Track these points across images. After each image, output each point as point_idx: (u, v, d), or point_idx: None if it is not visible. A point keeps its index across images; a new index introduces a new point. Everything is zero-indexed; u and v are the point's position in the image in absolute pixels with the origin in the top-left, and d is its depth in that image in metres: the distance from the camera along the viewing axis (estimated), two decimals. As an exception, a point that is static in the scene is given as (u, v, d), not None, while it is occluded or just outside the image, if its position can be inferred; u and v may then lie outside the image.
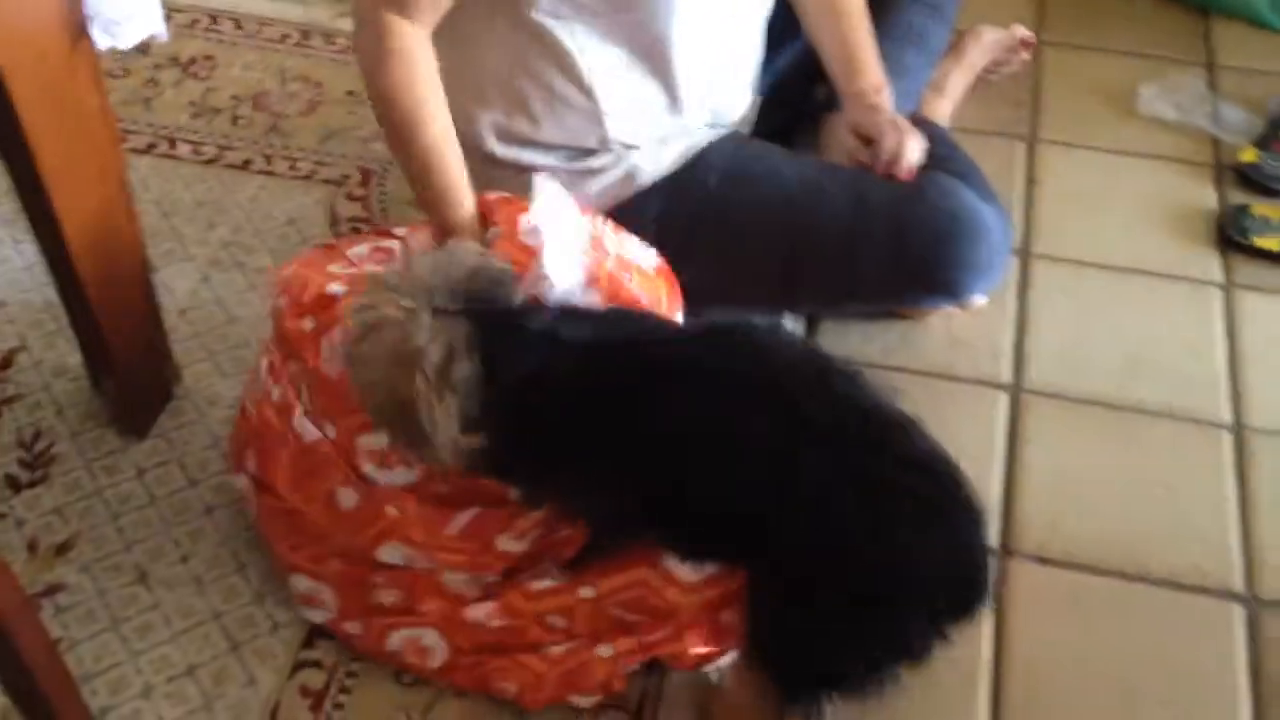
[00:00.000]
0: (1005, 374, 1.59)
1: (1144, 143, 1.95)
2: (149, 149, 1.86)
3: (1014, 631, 1.32)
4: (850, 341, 1.62)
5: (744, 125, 1.66)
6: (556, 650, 1.23)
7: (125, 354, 1.40)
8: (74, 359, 1.52)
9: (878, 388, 1.12)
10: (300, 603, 1.30)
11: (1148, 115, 1.99)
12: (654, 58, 1.46)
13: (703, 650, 1.23)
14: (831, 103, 1.76)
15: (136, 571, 1.34)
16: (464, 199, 1.32)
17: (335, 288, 1.29)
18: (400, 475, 1.24)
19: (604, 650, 1.22)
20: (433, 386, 1.08)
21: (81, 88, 1.21)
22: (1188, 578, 1.37)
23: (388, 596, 1.26)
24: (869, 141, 1.55)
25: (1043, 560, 1.38)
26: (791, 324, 1.62)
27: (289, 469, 1.28)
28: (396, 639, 1.25)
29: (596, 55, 1.43)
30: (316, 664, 1.27)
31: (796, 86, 1.81)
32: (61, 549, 1.36)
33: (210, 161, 1.85)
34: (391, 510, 1.23)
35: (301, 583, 1.29)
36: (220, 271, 1.67)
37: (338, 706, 1.24)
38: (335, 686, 1.25)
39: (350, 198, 1.79)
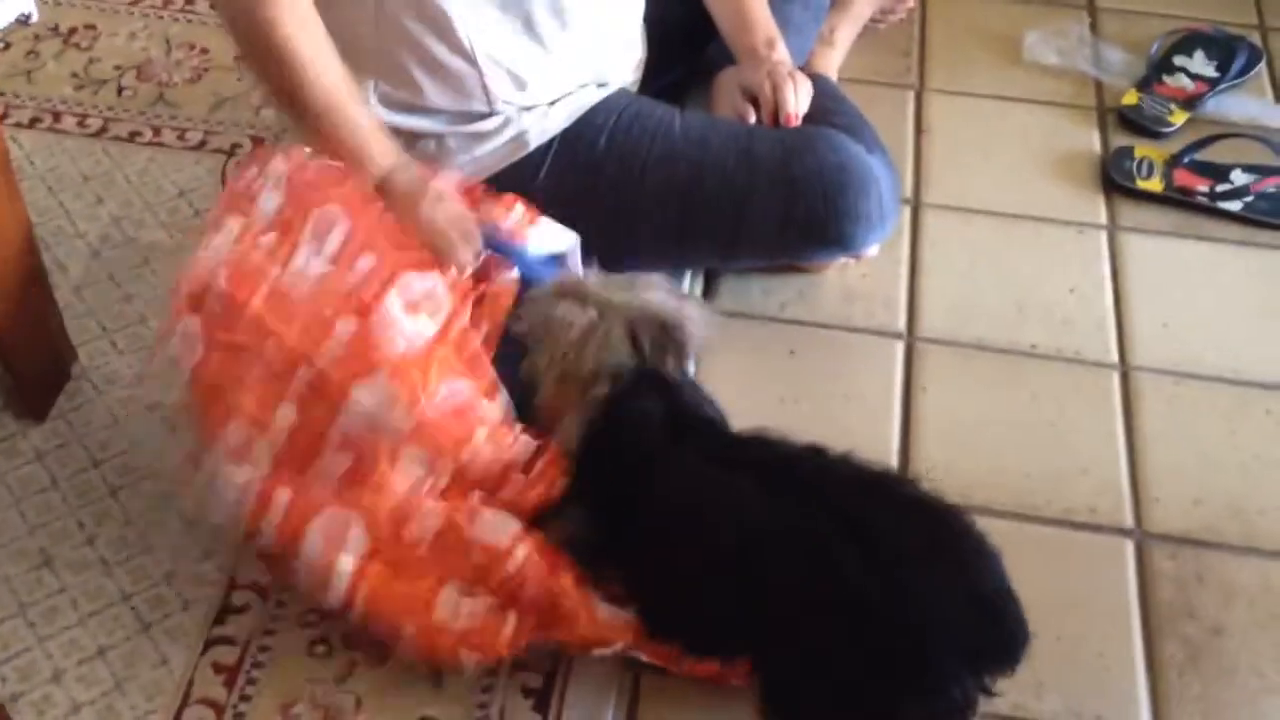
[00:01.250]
0: (900, 324, 1.62)
1: (1029, 88, 1.98)
2: (32, 123, 1.82)
3: (913, 575, 1.35)
4: (751, 297, 1.64)
5: (633, 85, 1.66)
6: (464, 605, 1.21)
7: (18, 336, 1.39)
8: (-35, 342, 1.50)
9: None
10: (230, 459, 1.22)
11: (1032, 61, 2.02)
12: (533, 16, 1.46)
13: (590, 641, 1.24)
14: (721, 60, 1.78)
15: (41, 556, 1.33)
16: (388, 146, 1.32)
17: None
18: (421, 324, 1.23)
19: (509, 620, 1.21)
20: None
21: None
22: (1079, 516, 1.42)
23: (338, 462, 1.22)
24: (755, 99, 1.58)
25: (938, 505, 1.42)
26: (688, 280, 1.64)
27: (270, 295, 1.22)
28: (318, 524, 1.20)
29: (473, 15, 1.43)
30: (229, 640, 1.27)
31: (686, 44, 1.82)
32: (-38, 536, 1.34)
33: (96, 134, 1.81)
34: (399, 342, 1.20)
35: (237, 434, 1.22)
36: (112, 248, 1.64)
37: (251, 681, 1.24)
38: (249, 661, 1.25)
39: (240, 166, 1.77)
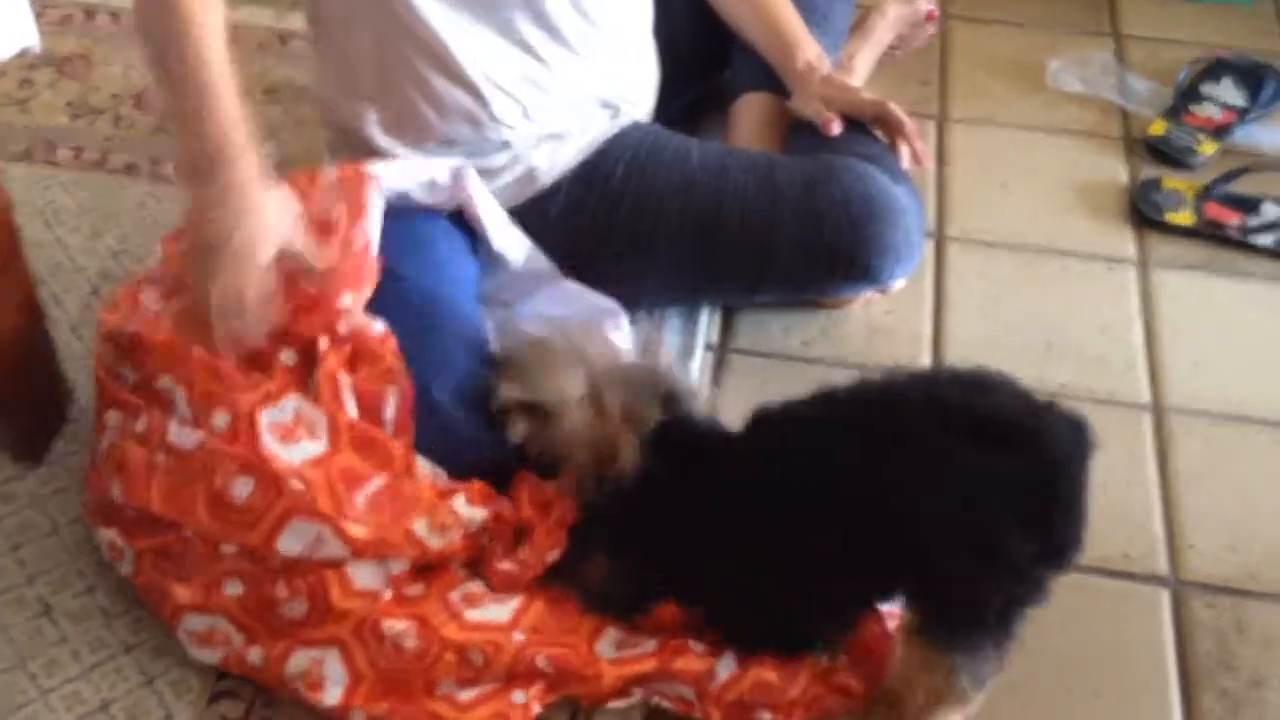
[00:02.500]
0: (924, 361, 1.58)
1: (1053, 118, 1.95)
2: (26, 155, 1.78)
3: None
4: (770, 334, 1.60)
5: (646, 112, 1.63)
6: (465, 696, 1.19)
7: (14, 377, 1.34)
8: (-40, 382, 1.46)
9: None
10: (198, 645, 1.24)
11: (1055, 89, 1.98)
12: (525, 36, 1.42)
13: (607, 695, 1.22)
14: (737, 84, 1.75)
15: (41, 605, 1.29)
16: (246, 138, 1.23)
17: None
18: (305, 449, 1.20)
19: (518, 697, 1.19)
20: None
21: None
22: (1113, 563, 1.38)
23: (295, 609, 1.20)
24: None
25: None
26: (705, 317, 1.60)
27: (163, 486, 1.22)
28: (295, 664, 1.19)
29: (469, 41, 1.39)
30: (233, 694, 1.23)
31: (699, 67, 1.80)
32: (-41, 584, 1.30)
33: (94, 166, 1.77)
34: (295, 484, 1.17)
35: (196, 622, 1.23)
36: (110, 283, 1.59)
37: (258, 736, 1.20)
38: (255, 715, 1.21)
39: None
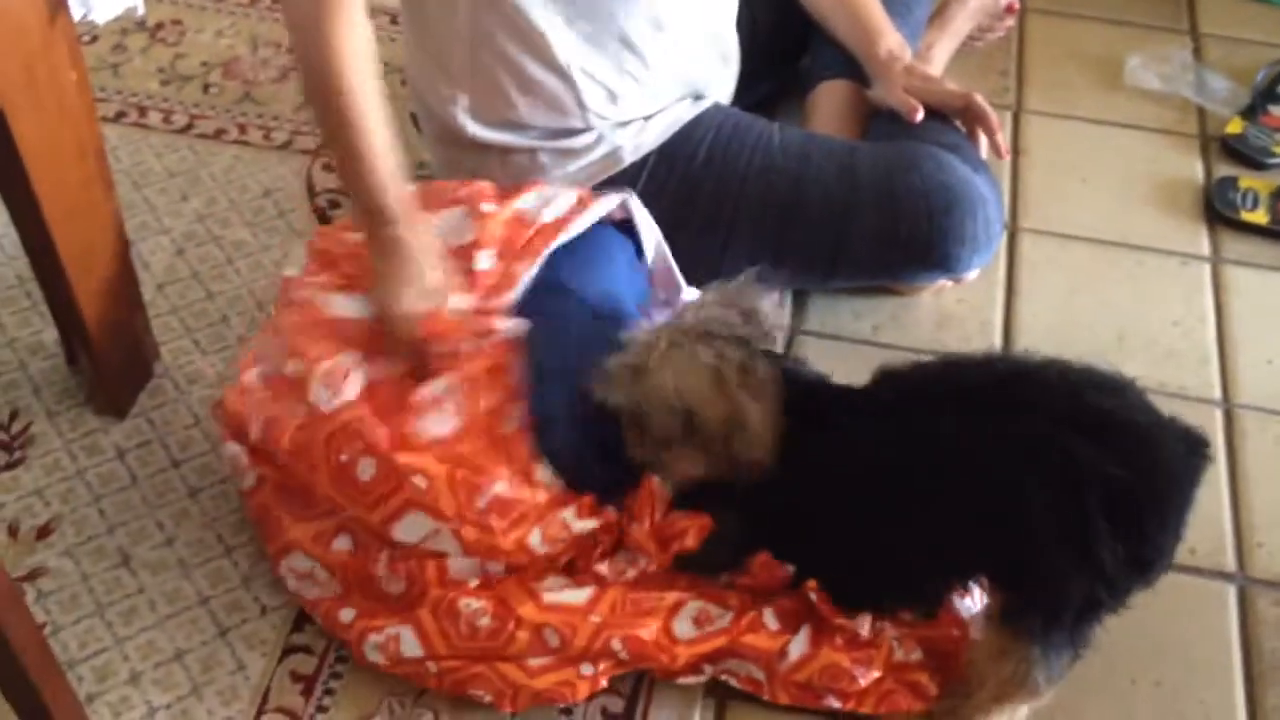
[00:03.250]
0: (995, 350, 1.58)
1: (1130, 113, 1.94)
2: (118, 117, 1.81)
3: (1008, 612, 1.31)
4: (841, 318, 1.60)
5: (727, 99, 1.63)
6: (536, 663, 1.20)
7: (103, 332, 1.37)
8: (49, 335, 1.49)
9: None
10: (297, 580, 1.26)
11: (1133, 86, 1.97)
12: (628, 31, 1.43)
13: (679, 670, 1.23)
14: (815, 73, 1.75)
15: (120, 555, 1.31)
16: (398, 182, 1.27)
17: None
18: (438, 422, 1.20)
19: (586, 669, 1.20)
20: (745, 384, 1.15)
21: (59, 64, 1.17)
22: (1180, 558, 1.35)
23: (393, 585, 1.22)
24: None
25: (1035, 541, 1.38)
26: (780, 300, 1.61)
27: (297, 438, 1.23)
28: (374, 638, 1.21)
29: (568, 32, 1.40)
30: (306, 649, 1.25)
31: (778, 57, 1.80)
32: (43, 532, 1.33)
33: (182, 130, 1.80)
34: (419, 481, 1.17)
35: (301, 561, 1.25)
36: (196, 245, 1.63)
37: (328, 692, 1.22)
38: (326, 672, 1.24)
39: (327, 168, 1.75)
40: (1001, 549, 1.13)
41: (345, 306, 1.29)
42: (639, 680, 1.24)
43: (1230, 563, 1.37)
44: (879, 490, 1.16)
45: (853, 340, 1.58)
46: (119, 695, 1.21)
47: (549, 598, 1.20)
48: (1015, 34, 2.06)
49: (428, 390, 1.21)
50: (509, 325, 1.26)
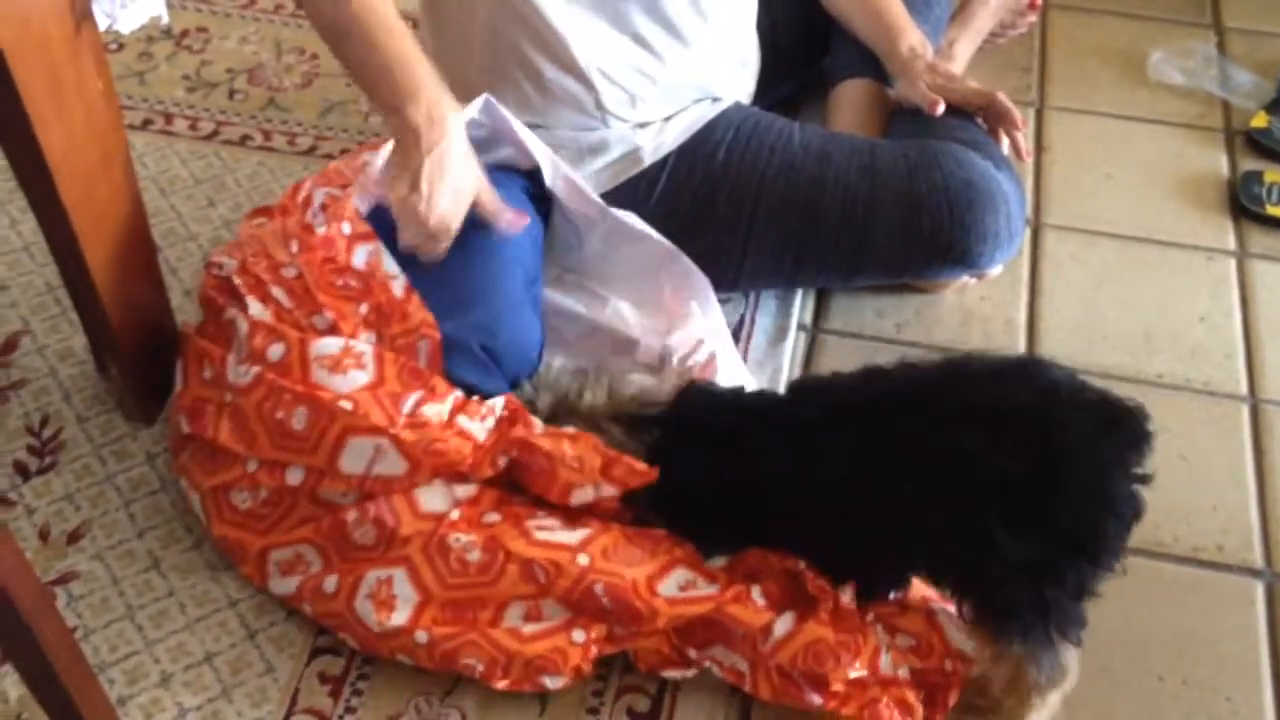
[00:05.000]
0: (1020, 348, 1.58)
1: (1153, 108, 1.93)
2: (145, 125, 1.83)
3: (1034, 609, 1.31)
4: (864, 317, 1.61)
5: (746, 98, 1.64)
6: (528, 629, 1.20)
7: (132, 338, 1.38)
8: (78, 342, 1.51)
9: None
10: (282, 574, 1.27)
11: (1156, 80, 1.97)
12: (643, 32, 1.44)
13: (664, 659, 1.23)
14: (836, 73, 1.75)
15: (150, 559, 1.33)
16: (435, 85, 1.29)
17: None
18: (354, 378, 1.24)
19: (577, 635, 1.20)
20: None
21: (85, 72, 1.18)
22: (1206, 554, 1.37)
23: (365, 535, 1.23)
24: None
25: (1061, 538, 1.37)
26: (799, 299, 1.61)
27: (229, 422, 1.27)
28: (366, 585, 1.22)
29: (586, 33, 1.41)
30: (334, 650, 1.26)
31: (799, 57, 1.80)
32: (73, 537, 1.34)
33: (208, 137, 1.82)
34: (345, 404, 1.21)
35: (280, 555, 1.28)
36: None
37: (356, 693, 1.23)
38: (354, 673, 1.24)
39: (352, 172, 1.77)
40: (919, 552, 1.16)
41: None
42: (664, 681, 1.24)
43: (1258, 559, 1.37)
44: (793, 508, 1.20)
45: (875, 339, 1.58)
46: (150, 697, 1.22)
47: (540, 535, 1.22)
48: (1037, 30, 2.06)
49: (329, 349, 1.25)
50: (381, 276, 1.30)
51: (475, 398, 1.27)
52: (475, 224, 1.32)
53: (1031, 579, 1.10)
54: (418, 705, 1.22)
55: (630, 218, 1.44)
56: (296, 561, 1.27)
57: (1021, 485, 1.09)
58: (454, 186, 1.27)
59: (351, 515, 1.24)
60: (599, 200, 1.44)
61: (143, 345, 1.40)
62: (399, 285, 1.30)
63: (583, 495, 1.24)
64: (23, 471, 1.39)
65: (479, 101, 1.38)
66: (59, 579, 1.30)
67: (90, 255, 1.27)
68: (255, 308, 1.30)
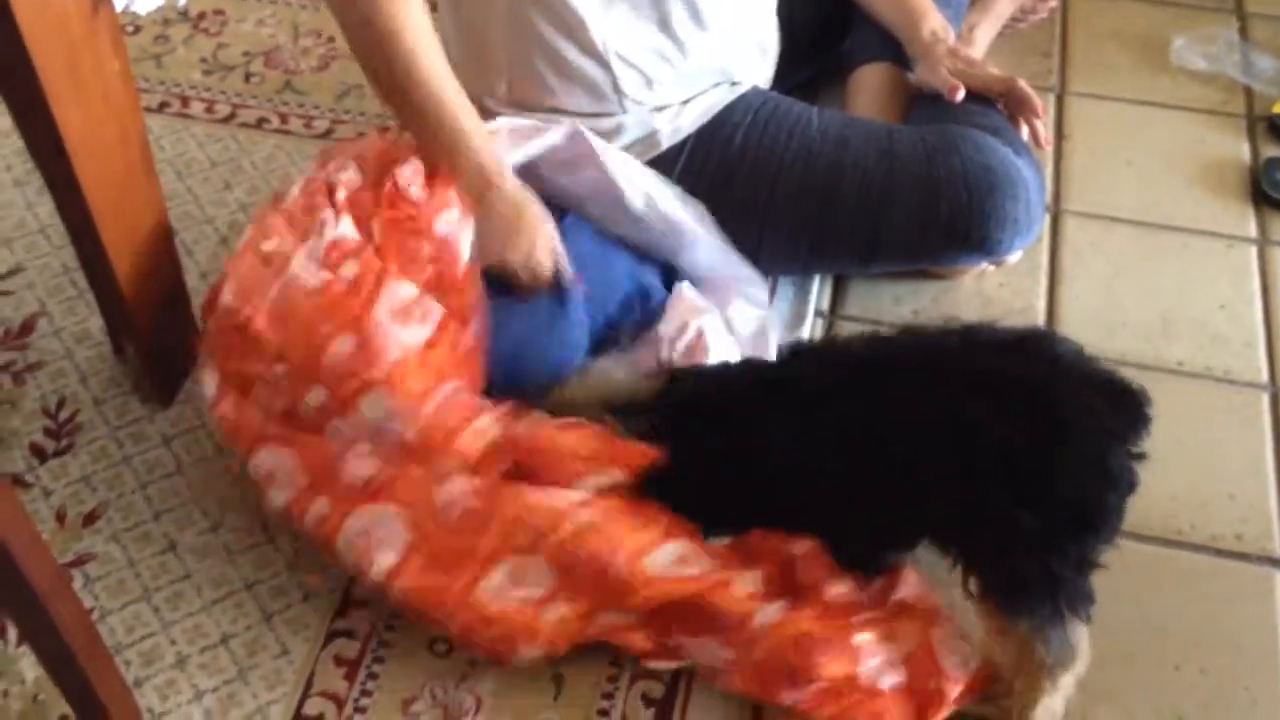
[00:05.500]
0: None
1: (1175, 94, 1.92)
2: (161, 108, 1.83)
3: (1052, 598, 1.30)
4: (881, 303, 1.60)
5: (765, 83, 1.63)
6: (505, 599, 1.18)
7: (148, 320, 1.39)
8: (95, 324, 1.51)
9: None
10: (263, 485, 1.25)
11: (1178, 66, 1.95)
12: (670, 16, 1.43)
13: (645, 650, 1.22)
14: (855, 57, 1.74)
15: (166, 541, 1.33)
16: (484, 137, 1.32)
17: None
18: (413, 332, 1.22)
19: (550, 613, 1.18)
20: None
21: (103, 53, 1.18)
22: (1225, 543, 1.36)
23: (362, 467, 1.22)
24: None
25: (1080, 525, 1.37)
26: (816, 286, 1.60)
27: (273, 309, 1.23)
28: (353, 523, 1.19)
29: (606, 16, 1.40)
30: (349, 634, 1.26)
31: (818, 42, 1.79)
32: (90, 518, 1.34)
33: (224, 120, 1.82)
34: (394, 350, 1.20)
35: (265, 458, 1.25)
36: (239, 234, 1.61)
37: (372, 676, 1.23)
38: (370, 656, 1.25)
39: (368, 156, 1.77)
40: (922, 521, 1.17)
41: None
42: (679, 670, 1.24)
43: (1277, 548, 1.36)
44: (795, 478, 1.19)
45: (893, 325, 1.57)
46: (166, 679, 1.22)
47: (533, 496, 1.20)
48: (1058, 15, 2.04)
49: (403, 290, 1.24)
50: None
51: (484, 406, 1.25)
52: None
53: (1036, 552, 1.11)
54: (433, 690, 1.22)
55: (713, 235, 1.47)
56: (275, 474, 1.25)
57: (1023, 455, 1.09)
58: (543, 243, 1.34)
59: (349, 448, 1.22)
60: (688, 221, 1.45)
61: (159, 327, 1.40)
62: (461, 266, 1.29)
63: (590, 483, 1.22)
64: (39, 453, 1.40)
65: (564, 129, 1.40)
66: (76, 561, 1.31)
67: (107, 237, 1.27)
68: (347, 226, 1.27)
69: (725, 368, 1.33)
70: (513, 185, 1.34)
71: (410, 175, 1.30)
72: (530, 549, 1.18)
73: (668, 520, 1.21)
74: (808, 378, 1.23)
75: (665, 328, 1.41)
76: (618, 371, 1.32)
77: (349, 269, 1.24)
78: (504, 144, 1.38)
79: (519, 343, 1.32)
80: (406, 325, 1.22)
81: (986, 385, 1.12)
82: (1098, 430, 1.11)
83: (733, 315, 1.48)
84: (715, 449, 1.22)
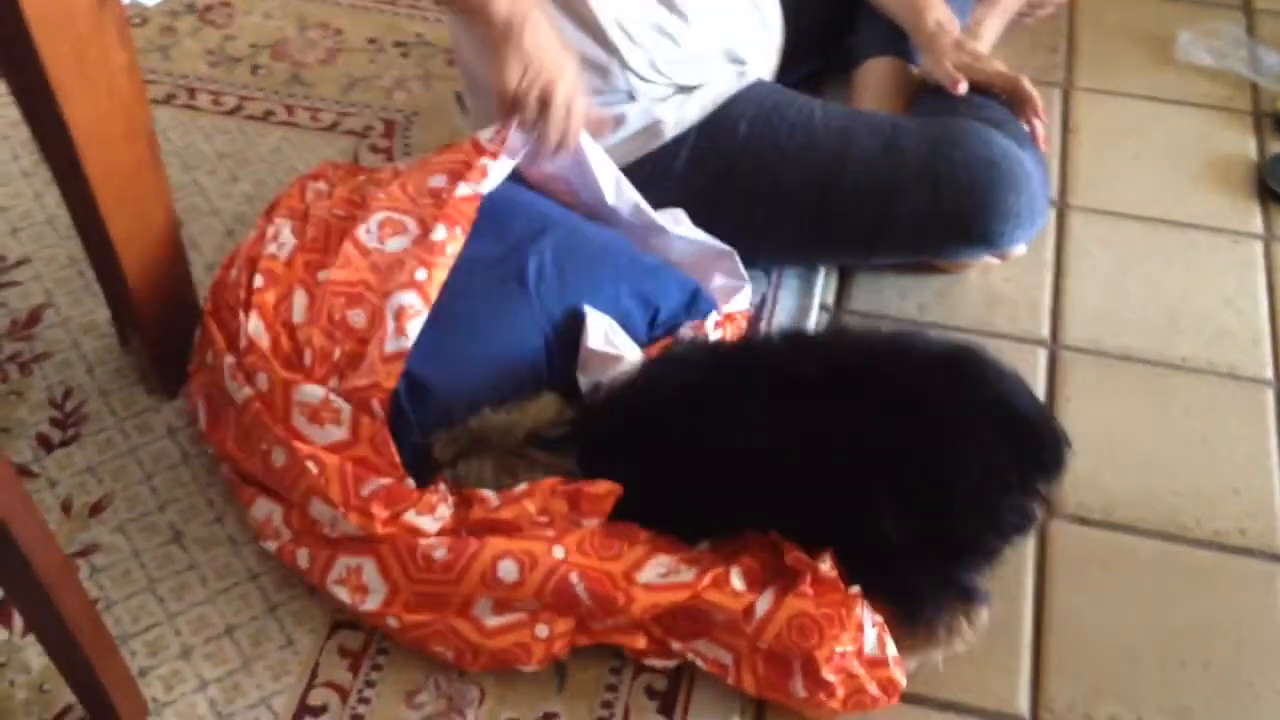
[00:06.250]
0: (1044, 330, 1.57)
1: (1181, 90, 1.92)
2: (168, 99, 1.83)
3: (1054, 593, 1.31)
4: (886, 297, 1.60)
5: (770, 73, 1.63)
6: (492, 623, 1.20)
7: (154, 312, 1.39)
8: (101, 315, 1.51)
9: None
10: (259, 534, 1.30)
11: (1185, 62, 1.95)
12: (676, 4, 1.44)
13: (645, 650, 1.23)
14: (860, 51, 1.74)
15: (171, 531, 1.33)
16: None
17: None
18: (330, 432, 1.24)
19: (541, 630, 1.20)
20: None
21: (109, 45, 1.18)
22: (1229, 538, 1.36)
23: (344, 526, 1.23)
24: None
25: (1083, 521, 1.37)
26: (821, 278, 1.60)
27: (233, 431, 1.31)
28: (339, 569, 1.23)
29: (616, 3, 1.41)
30: (354, 625, 1.26)
31: (823, 35, 1.79)
32: (95, 509, 1.35)
33: (231, 112, 1.82)
34: (311, 466, 1.21)
35: (261, 509, 1.30)
36: (245, 226, 1.64)
37: (376, 667, 1.23)
38: (374, 647, 1.25)
39: (374, 149, 1.77)
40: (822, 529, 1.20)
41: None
42: (679, 668, 1.24)
43: (1281, 544, 1.36)
44: (722, 484, 1.22)
45: (898, 319, 1.58)
46: (171, 669, 1.23)
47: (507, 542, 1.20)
48: (1065, 10, 2.04)
49: (309, 397, 1.25)
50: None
51: (424, 491, 1.24)
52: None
53: (909, 566, 1.15)
54: (437, 681, 1.22)
55: (686, 229, 1.47)
56: (268, 525, 1.29)
57: (909, 481, 1.12)
58: (554, 56, 1.33)
59: (323, 512, 1.25)
60: (658, 220, 1.46)
61: (165, 319, 1.40)
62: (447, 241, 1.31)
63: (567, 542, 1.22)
64: (45, 444, 1.40)
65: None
66: (81, 551, 1.31)
67: (114, 229, 1.27)
68: (254, 324, 1.30)
69: (631, 381, 1.29)
70: (545, 27, 1.34)
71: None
72: (510, 594, 1.19)
73: (642, 538, 1.22)
74: (723, 384, 1.24)
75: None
76: (546, 399, 1.29)
77: (261, 380, 1.27)
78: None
79: (470, 326, 1.31)
80: (323, 426, 1.24)
81: (899, 405, 1.14)
82: (993, 471, 1.13)
83: (715, 291, 1.47)
84: (644, 466, 1.23)
